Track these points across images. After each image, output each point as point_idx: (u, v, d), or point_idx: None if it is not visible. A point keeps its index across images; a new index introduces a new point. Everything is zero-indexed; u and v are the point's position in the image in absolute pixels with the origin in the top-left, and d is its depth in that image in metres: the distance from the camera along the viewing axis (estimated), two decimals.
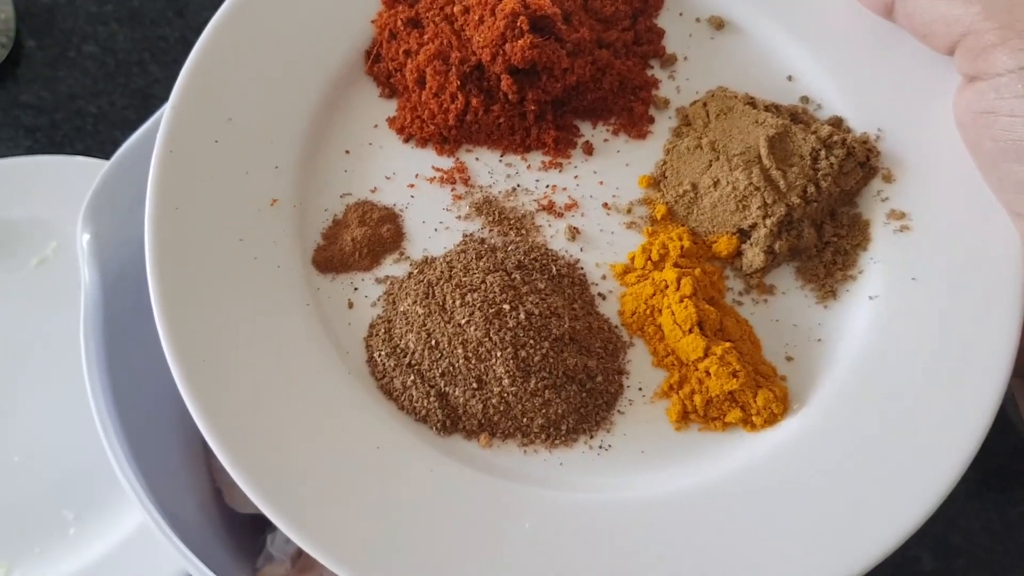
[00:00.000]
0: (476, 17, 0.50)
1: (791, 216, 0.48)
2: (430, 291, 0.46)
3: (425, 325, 0.45)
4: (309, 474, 0.42)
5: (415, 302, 0.46)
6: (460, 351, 0.44)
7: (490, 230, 0.50)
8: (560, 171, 0.52)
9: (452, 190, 0.51)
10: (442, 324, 0.45)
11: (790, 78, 0.53)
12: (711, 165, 0.50)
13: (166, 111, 0.48)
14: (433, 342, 0.45)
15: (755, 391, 0.46)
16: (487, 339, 0.44)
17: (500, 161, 0.52)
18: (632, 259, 0.49)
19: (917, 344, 0.46)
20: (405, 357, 0.45)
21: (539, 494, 0.43)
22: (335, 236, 0.49)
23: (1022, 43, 0.43)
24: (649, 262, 0.49)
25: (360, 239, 0.49)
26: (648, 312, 0.47)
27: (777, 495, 0.44)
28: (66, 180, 0.72)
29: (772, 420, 0.46)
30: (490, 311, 0.45)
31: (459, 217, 0.50)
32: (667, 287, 0.47)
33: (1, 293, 0.71)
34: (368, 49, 0.53)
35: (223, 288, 0.45)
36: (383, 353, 0.46)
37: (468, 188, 0.51)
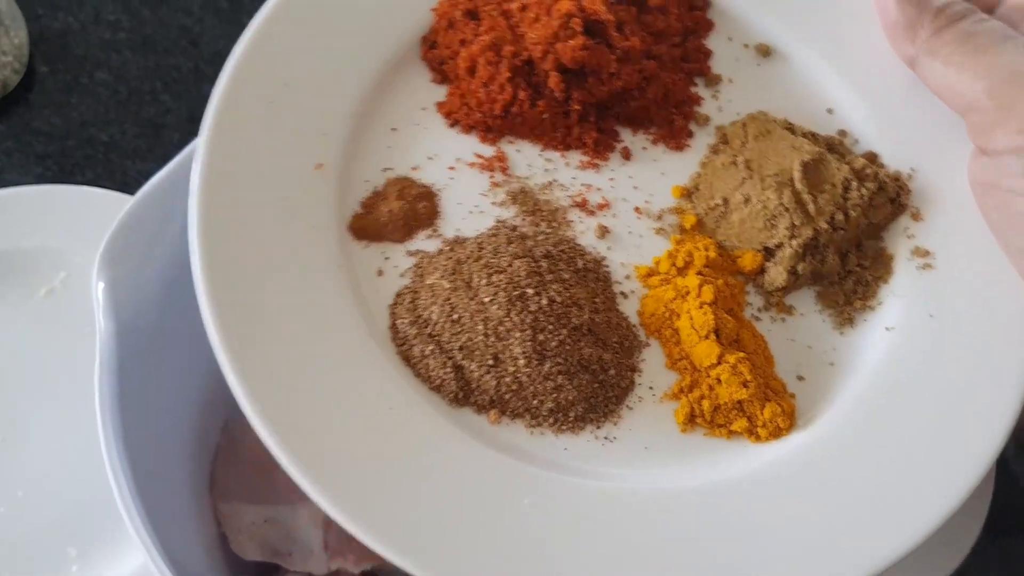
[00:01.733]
0: (532, 15, 0.52)
1: (817, 240, 0.49)
2: (458, 268, 0.48)
3: (449, 299, 0.47)
4: (319, 421, 0.43)
5: (442, 276, 0.47)
6: (480, 327, 0.46)
7: (523, 219, 0.51)
8: (597, 171, 0.53)
9: (491, 177, 0.52)
10: (466, 300, 0.46)
11: (830, 111, 0.55)
12: (744, 182, 0.51)
13: (227, 68, 0.50)
14: (456, 316, 0.46)
15: (763, 403, 0.46)
16: (508, 319, 0.45)
17: (540, 155, 0.53)
18: (657, 263, 0.50)
19: (927, 376, 0.47)
20: (427, 327, 0.47)
21: (541, 474, 0.44)
22: (373, 206, 0.51)
23: (1019, 125, 0.44)
24: (673, 267, 0.50)
25: (396, 212, 0.50)
26: (667, 315, 0.48)
27: (772, 508, 0.44)
28: (77, 210, 0.71)
29: (777, 434, 0.46)
30: (514, 293, 0.46)
31: (494, 203, 0.51)
32: (688, 293, 0.48)
33: (9, 323, 0.70)
34: (426, 35, 0.55)
35: (260, 239, 0.47)
36: (406, 321, 0.47)
37: (506, 177, 0.52)
